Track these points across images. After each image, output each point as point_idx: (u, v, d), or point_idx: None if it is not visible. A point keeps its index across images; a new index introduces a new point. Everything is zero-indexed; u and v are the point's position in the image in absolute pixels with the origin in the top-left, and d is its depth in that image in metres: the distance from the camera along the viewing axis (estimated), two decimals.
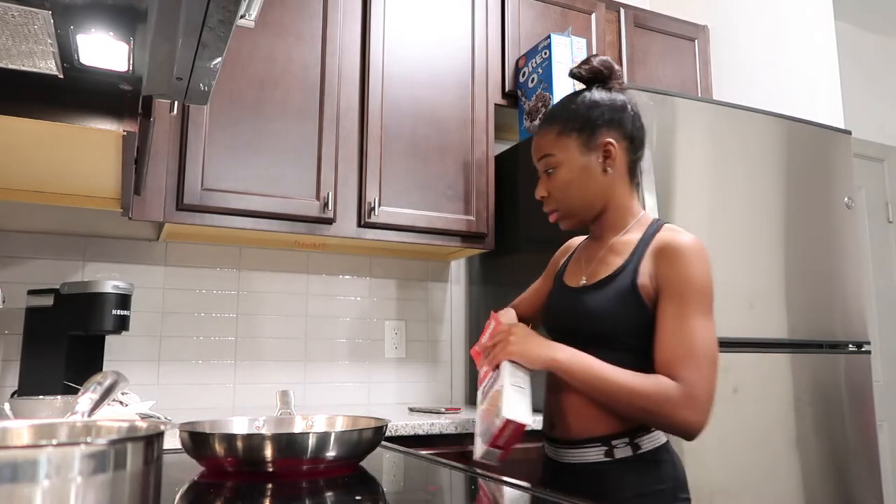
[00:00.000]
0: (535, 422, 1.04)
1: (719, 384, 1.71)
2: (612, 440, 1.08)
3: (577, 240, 1.33)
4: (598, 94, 1.21)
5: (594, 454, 1.09)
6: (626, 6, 2.58)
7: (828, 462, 1.85)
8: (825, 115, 2.30)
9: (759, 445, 1.75)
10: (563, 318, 1.19)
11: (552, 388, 1.17)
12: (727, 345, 1.77)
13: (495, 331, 1.18)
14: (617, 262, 1.16)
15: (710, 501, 1.66)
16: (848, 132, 2.10)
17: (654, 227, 1.17)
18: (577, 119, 1.19)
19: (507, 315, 1.33)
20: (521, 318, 1.35)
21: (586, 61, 1.23)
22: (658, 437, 1.11)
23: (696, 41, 2.72)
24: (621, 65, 2.52)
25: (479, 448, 1.02)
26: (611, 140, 1.18)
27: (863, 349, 1.99)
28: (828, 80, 2.36)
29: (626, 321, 1.10)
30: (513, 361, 1.08)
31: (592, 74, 1.23)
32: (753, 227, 1.87)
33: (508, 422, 0.97)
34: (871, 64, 3.45)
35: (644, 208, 1.38)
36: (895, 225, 3.31)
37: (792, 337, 1.87)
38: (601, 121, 1.18)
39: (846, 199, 2.05)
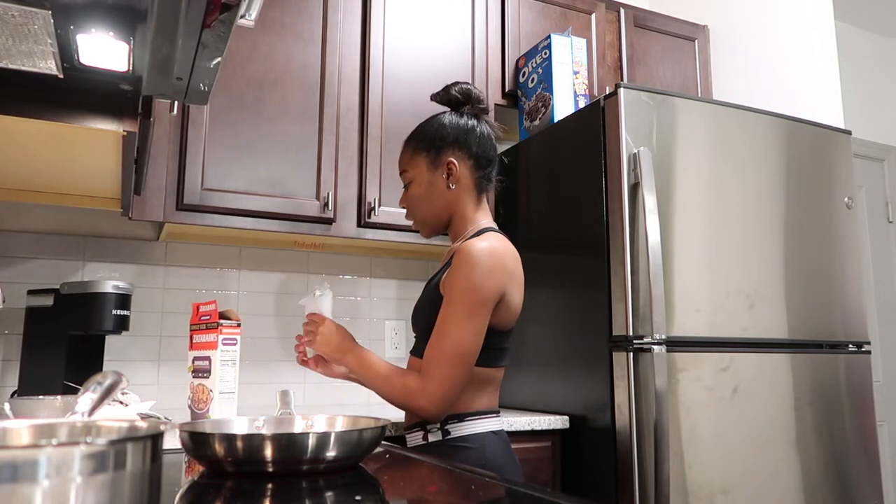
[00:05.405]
0: None
1: (719, 384, 1.72)
2: (428, 426, 1.26)
3: None
4: (448, 118, 1.38)
5: (416, 438, 1.28)
6: (626, 6, 2.58)
7: (828, 462, 1.85)
8: (825, 115, 2.30)
9: (759, 445, 1.75)
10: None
11: None
12: (727, 345, 1.77)
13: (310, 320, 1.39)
14: (440, 265, 1.36)
15: (711, 501, 1.66)
16: (848, 132, 2.10)
17: (474, 235, 1.30)
18: (427, 140, 1.37)
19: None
20: None
21: (446, 89, 1.42)
22: (468, 426, 1.24)
23: (696, 41, 2.72)
24: (621, 64, 2.52)
25: None
26: (453, 160, 1.35)
27: (863, 349, 1.99)
28: (828, 80, 2.36)
29: (430, 315, 1.26)
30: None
31: (447, 100, 1.41)
32: (753, 227, 1.87)
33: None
34: (871, 64, 3.46)
35: (642, 210, 1.38)
36: (895, 225, 3.31)
37: (792, 337, 1.87)
38: (446, 142, 1.36)
39: (846, 199, 2.05)
